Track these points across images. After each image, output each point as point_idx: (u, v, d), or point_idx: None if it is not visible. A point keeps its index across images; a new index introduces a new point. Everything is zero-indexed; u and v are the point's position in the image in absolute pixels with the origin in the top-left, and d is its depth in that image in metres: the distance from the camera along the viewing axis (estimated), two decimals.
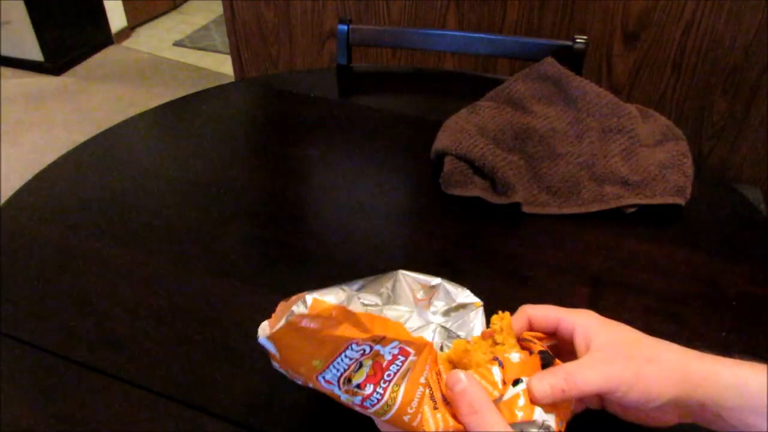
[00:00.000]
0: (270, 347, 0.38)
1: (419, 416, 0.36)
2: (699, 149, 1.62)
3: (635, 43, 1.50)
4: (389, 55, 1.73)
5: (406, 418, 0.36)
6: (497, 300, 0.45)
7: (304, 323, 0.35)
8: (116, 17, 3.06)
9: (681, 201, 0.66)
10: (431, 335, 0.46)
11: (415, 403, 0.36)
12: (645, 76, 1.55)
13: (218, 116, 0.87)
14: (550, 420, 0.37)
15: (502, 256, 0.62)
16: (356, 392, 0.36)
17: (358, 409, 0.37)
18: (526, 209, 0.67)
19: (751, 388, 0.36)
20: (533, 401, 0.37)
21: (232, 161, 0.77)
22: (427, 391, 0.37)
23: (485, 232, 0.65)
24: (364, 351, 0.36)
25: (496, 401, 0.37)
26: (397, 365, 0.36)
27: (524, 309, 0.43)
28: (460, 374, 0.37)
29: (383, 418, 0.36)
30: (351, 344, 0.35)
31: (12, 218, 0.65)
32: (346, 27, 1.02)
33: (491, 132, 0.74)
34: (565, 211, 0.67)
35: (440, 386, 0.38)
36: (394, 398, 0.36)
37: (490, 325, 0.42)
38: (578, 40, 0.94)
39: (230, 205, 0.68)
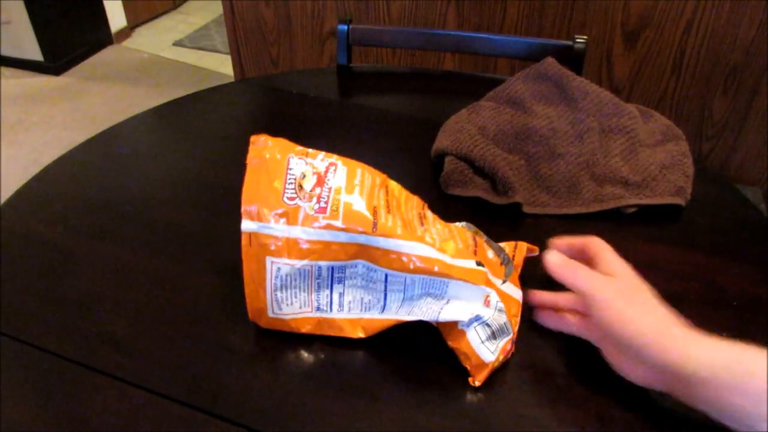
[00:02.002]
0: (251, 225, 0.47)
1: (363, 207, 0.46)
2: (699, 149, 1.62)
3: (635, 43, 1.50)
4: (389, 55, 1.73)
5: (354, 208, 0.46)
6: None
7: (254, 161, 0.49)
8: (116, 17, 3.07)
9: (681, 201, 0.66)
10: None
11: (355, 199, 0.46)
12: (645, 76, 1.55)
13: (218, 116, 0.87)
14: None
15: None
16: (311, 195, 0.46)
17: (322, 223, 0.46)
18: (526, 209, 0.67)
19: (719, 361, 0.40)
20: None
21: (232, 161, 0.77)
22: (381, 202, 0.48)
23: (485, 232, 0.65)
24: (303, 164, 0.48)
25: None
26: (332, 172, 0.48)
27: (594, 241, 0.51)
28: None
29: (338, 216, 0.46)
30: (290, 158, 0.48)
31: (12, 218, 0.65)
32: (346, 27, 1.02)
33: (491, 132, 0.74)
34: (565, 211, 0.67)
35: (411, 212, 0.50)
36: (339, 190, 0.47)
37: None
38: (578, 40, 0.94)
39: (230, 205, 0.68)
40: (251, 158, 0.49)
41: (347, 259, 0.48)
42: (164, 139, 0.83)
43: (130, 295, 0.55)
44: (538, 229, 0.65)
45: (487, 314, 0.46)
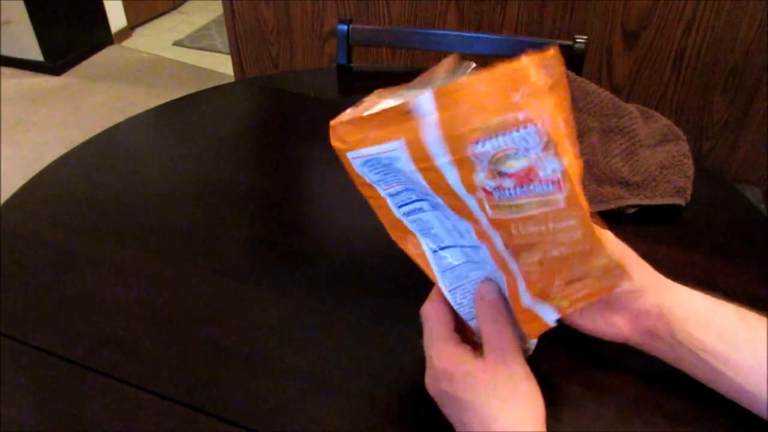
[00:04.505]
0: (427, 104, 0.33)
1: (523, 240, 0.35)
2: (699, 149, 1.62)
3: (635, 43, 1.50)
4: (389, 55, 1.73)
5: (513, 230, 0.35)
6: None
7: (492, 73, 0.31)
8: (116, 17, 3.06)
9: (681, 202, 0.66)
10: None
11: (529, 229, 0.34)
12: (645, 76, 1.55)
13: (218, 116, 0.87)
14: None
15: None
16: (496, 177, 0.33)
17: (480, 195, 0.34)
18: None
19: (697, 303, 0.43)
20: None
21: (232, 161, 0.77)
22: (554, 252, 0.35)
23: None
24: (531, 141, 0.31)
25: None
26: (545, 190, 0.33)
27: None
28: (494, 287, 0.40)
29: (496, 213, 0.35)
30: (531, 126, 0.31)
31: (12, 218, 0.65)
32: (346, 27, 1.02)
33: None
34: None
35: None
36: (520, 208, 0.34)
37: None
38: (578, 40, 0.94)
39: (230, 205, 0.68)
40: (525, 73, 0.31)
41: (459, 215, 0.38)
42: (164, 139, 0.83)
43: (130, 295, 0.55)
44: None
45: None
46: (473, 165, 0.33)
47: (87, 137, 0.79)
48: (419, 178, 0.37)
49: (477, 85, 0.31)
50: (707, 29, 1.43)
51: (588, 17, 1.49)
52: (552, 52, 0.31)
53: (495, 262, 0.39)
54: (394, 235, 0.41)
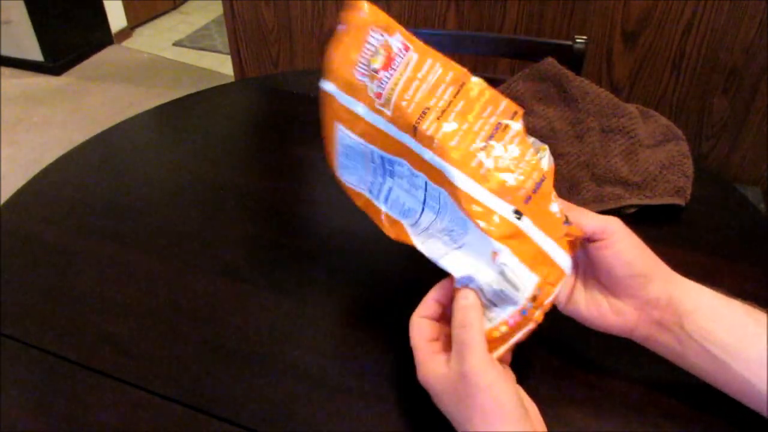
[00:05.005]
0: (328, 86, 0.46)
1: (413, 106, 0.42)
2: (699, 149, 1.62)
3: (635, 43, 1.50)
4: None
5: (403, 104, 0.42)
6: None
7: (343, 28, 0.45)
8: (116, 17, 3.06)
9: (681, 202, 0.66)
10: None
11: (410, 94, 0.42)
12: (645, 76, 1.55)
13: (218, 116, 0.87)
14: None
15: None
16: (375, 76, 0.43)
17: (379, 107, 0.43)
18: None
19: (706, 296, 0.43)
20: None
21: (232, 161, 0.77)
22: (440, 103, 0.42)
23: None
24: (380, 40, 0.44)
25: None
26: (401, 56, 0.43)
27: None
28: (471, 293, 0.41)
29: (390, 109, 0.43)
30: (370, 31, 0.44)
31: (12, 218, 0.65)
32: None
33: None
34: None
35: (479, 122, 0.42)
36: (398, 80, 0.43)
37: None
38: (578, 40, 0.94)
39: (230, 205, 0.68)
40: (342, 21, 0.46)
41: (394, 154, 0.45)
42: (164, 139, 0.83)
43: (130, 295, 0.55)
44: None
45: (485, 277, 0.39)
46: (365, 87, 0.44)
47: (87, 137, 0.79)
48: (365, 144, 0.46)
49: (338, 46, 0.45)
50: (707, 29, 1.43)
51: (588, 17, 1.49)
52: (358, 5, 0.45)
53: (440, 187, 0.43)
54: (393, 233, 0.47)
